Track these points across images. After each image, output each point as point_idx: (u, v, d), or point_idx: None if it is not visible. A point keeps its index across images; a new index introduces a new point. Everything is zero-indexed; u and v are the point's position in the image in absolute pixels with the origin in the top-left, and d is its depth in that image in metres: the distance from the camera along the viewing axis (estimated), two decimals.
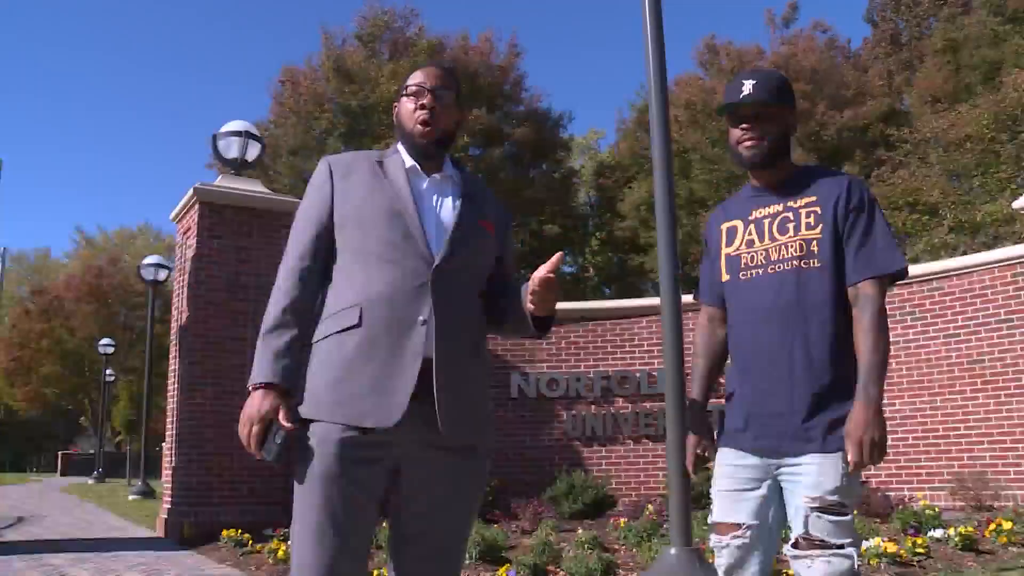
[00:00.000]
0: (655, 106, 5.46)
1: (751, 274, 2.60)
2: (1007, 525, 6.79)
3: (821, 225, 2.49)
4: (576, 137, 35.31)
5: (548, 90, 58.56)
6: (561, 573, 6.03)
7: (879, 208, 2.51)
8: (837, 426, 2.39)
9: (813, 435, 2.41)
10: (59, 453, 53.17)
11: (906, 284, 9.71)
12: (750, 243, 2.62)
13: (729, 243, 2.69)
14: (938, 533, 6.81)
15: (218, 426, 8.99)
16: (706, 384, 2.82)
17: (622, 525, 7.69)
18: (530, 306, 2.35)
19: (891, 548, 6.17)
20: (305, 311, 2.39)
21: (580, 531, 7.48)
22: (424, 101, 2.47)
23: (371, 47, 26.79)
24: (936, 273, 9.71)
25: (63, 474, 44.05)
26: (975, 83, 26.78)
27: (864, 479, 8.08)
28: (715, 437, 2.72)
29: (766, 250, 2.57)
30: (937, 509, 7.71)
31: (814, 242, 2.49)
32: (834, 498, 2.38)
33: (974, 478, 8.87)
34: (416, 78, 2.51)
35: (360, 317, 2.31)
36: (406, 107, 2.50)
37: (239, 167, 10.06)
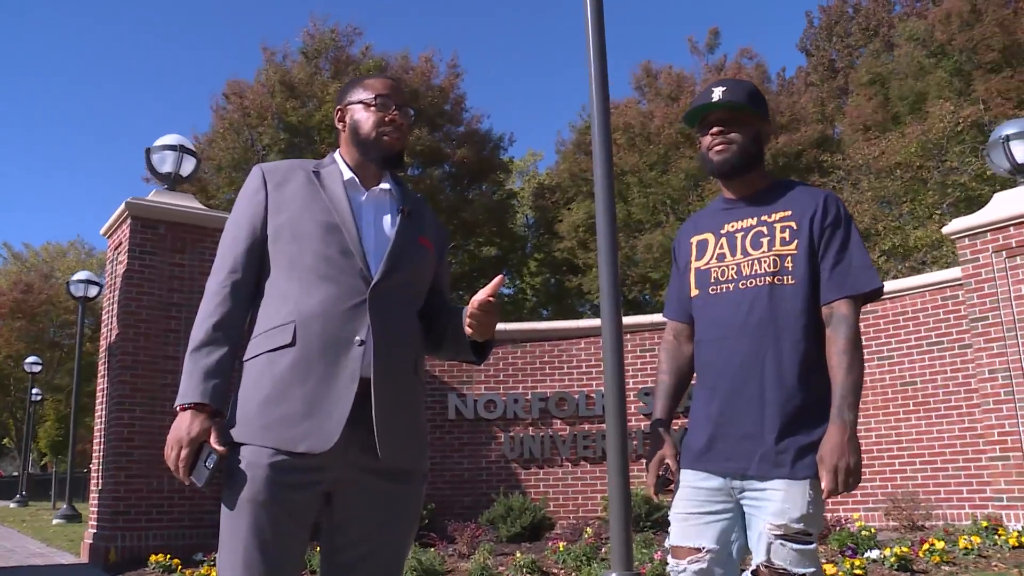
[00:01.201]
0: (598, 126, 5.45)
1: (721, 289, 2.53)
2: (939, 544, 6.88)
3: (796, 241, 2.44)
4: (516, 159, 35.42)
5: (488, 111, 58.79)
6: None
7: (855, 225, 2.46)
8: (808, 451, 2.34)
9: (783, 460, 2.34)
10: None
11: None
12: (721, 257, 2.55)
13: (699, 257, 2.62)
14: (874, 554, 6.86)
15: (147, 447, 8.76)
16: (671, 403, 2.73)
17: (561, 548, 7.63)
18: (468, 330, 2.26)
19: (830, 570, 6.20)
20: (236, 327, 2.28)
21: (518, 554, 7.40)
22: (395, 116, 2.40)
23: (315, 63, 26.62)
24: None
25: None
26: (903, 113, 27.47)
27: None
28: (677, 458, 2.62)
29: (738, 265, 2.50)
30: (873, 530, 7.79)
31: (788, 258, 2.43)
32: (799, 526, 2.32)
33: (907, 498, 9.00)
34: (378, 89, 2.43)
35: (294, 336, 2.21)
36: (365, 117, 2.41)
37: (173, 182, 9.85)
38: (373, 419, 2.18)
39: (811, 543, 2.33)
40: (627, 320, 10.50)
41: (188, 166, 9.96)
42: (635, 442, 10.49)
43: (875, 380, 9.67)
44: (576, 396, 10.95)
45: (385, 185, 2.43)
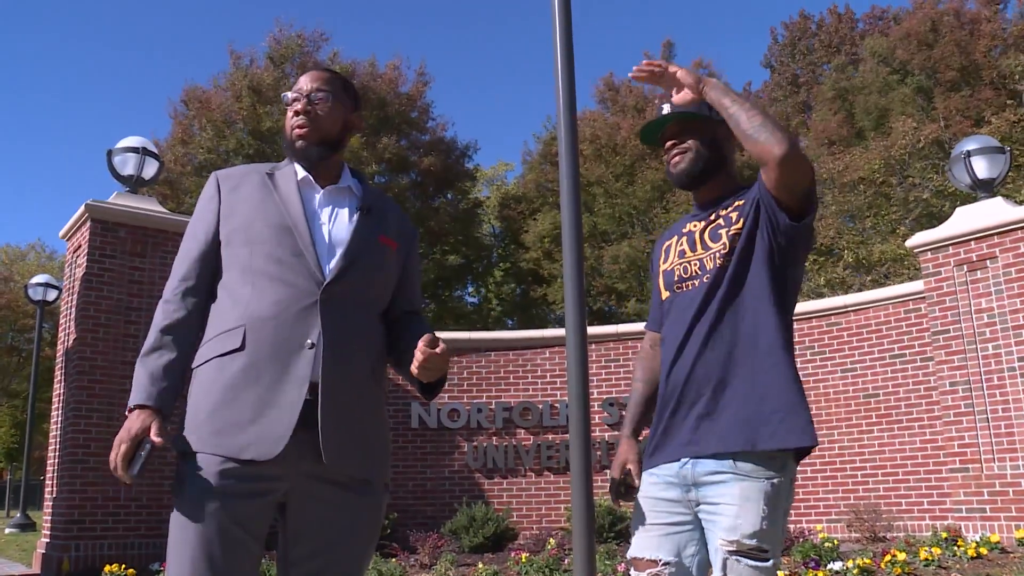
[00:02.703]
0: (564, 135, 5.41)
1: (687, 286, 2.49)
2: (901, 556, 6.91)
3: (742, 219, 2.40)
4: (483, 168, 35.40)
5: (455, 120, 58.84)
6: None
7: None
8: (767, 423, 2.26)
9: (739, 432, 2.27)
10: None
11: (806, 319, 9.91)
12: (682, 254, 2.53)
13: (665, 260, 2.61)
14: (837, 566, 6.87)
15: (104, 454, 8.58)
16: (641, 410, 2.70)
17: (524, 559, 7.58)
18: (414, 370, 2.17)
19: None
20: (186, 332, 2.23)
21: (481, 565, 7.35)
22: (298, 107, 2.33)
23: (282, 68, 26.46)
24: (834, 309, 9.93)
25: None
26: (867, 128, 27.80)
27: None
28: (640, 468, 2.57)
29: (700, 260, 2.46)
30: (836, 541, 7.82)
31: (735, 236, 2.39)
32: (752, 542, 2.23)
33: (868, 510, 9.05)
34: (295, 86, 2.39)
35: (243, 340, 2.15)
36: (286, 119, 2.37)
37: (135, 184, 9.70)
38: (319, 424, 2.12)
39: (767, 559, 2.25)
40: (592, 330, 10.49)
41: (150, 169, 9.81)
42: (599, 453, 10.46)
43: (838, 392, 9.73)
44: (540, 406, 10.91)
45: (344, 182, 2.37)
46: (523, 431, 10.91)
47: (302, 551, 2.18)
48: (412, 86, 28.38)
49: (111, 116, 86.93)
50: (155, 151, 10.04)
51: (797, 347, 9.78)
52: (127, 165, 9.69)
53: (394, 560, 7.69)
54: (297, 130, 2.32)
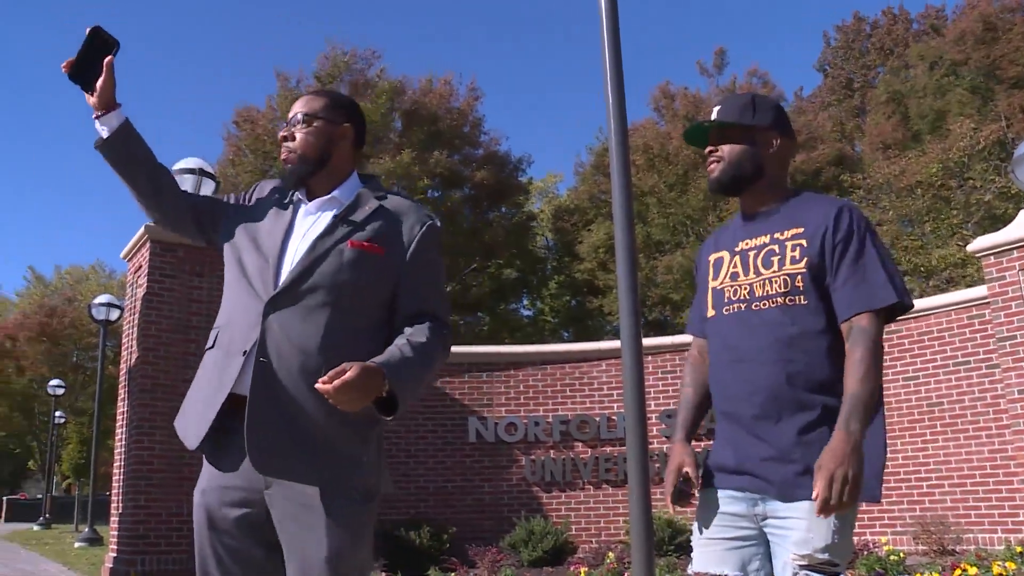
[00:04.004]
0: (615, 147, 5.39)
1: (733, 309, 2.43)
2: (972, 570, 6.73)
3: (806, 259, 2.32)
4: (535, 181, 35.44)
5: (507, 133, 59.06)
6: None
7: (873, 235, 2.32)
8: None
9: (803, 482, 2.21)
10: (4, 498, 51.82)
11: None
12: (734, 276, 2.46)
13: (715, 276, 2.53)
14: None
15: (166, 471, 8.74)
16: (693, 415, 2.64)
17: (583, 573, 7.53)
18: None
19: None
20: (161, 166, 2.44)
21: None
22: (281, 134, 2.44)
23: (330, 87, 26.74)
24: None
25: (8, 520, 42.82)
26: (923, 131, 27.34)
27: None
28: (698, 472, 2.51)
29: (751, 285, 2.40)
30: (902, 554, 7.65)
31: (799, 277, 2.32)
32: (824, 556, 2.19)
33: (936, 522, 8.84)
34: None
35: (215, 340, 2.34)
36: None
37: None
38: (244, 431, 2.17)
39: (838, 574, 2.21)
40: (648, 342, 10.41)
41: (207, 189, 9.98)
42: (657, 465, 10.37)
43: (900, 401, 9.54)
44: (597, 419, 10.85)
45: (334, 194, 2.41)
46: (580, 444, 10.86)
47: (289, 565, 2.21)
48: (464, 101, 28.53)
49: (167, 138, 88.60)
50: (211, 171, 10.21)
51: None
52: (184, 186, 9.84)
53: (453, 574, 7.69)
54: (282, 154, 2.43)
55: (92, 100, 2.31)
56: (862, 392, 2.18)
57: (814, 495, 2.13)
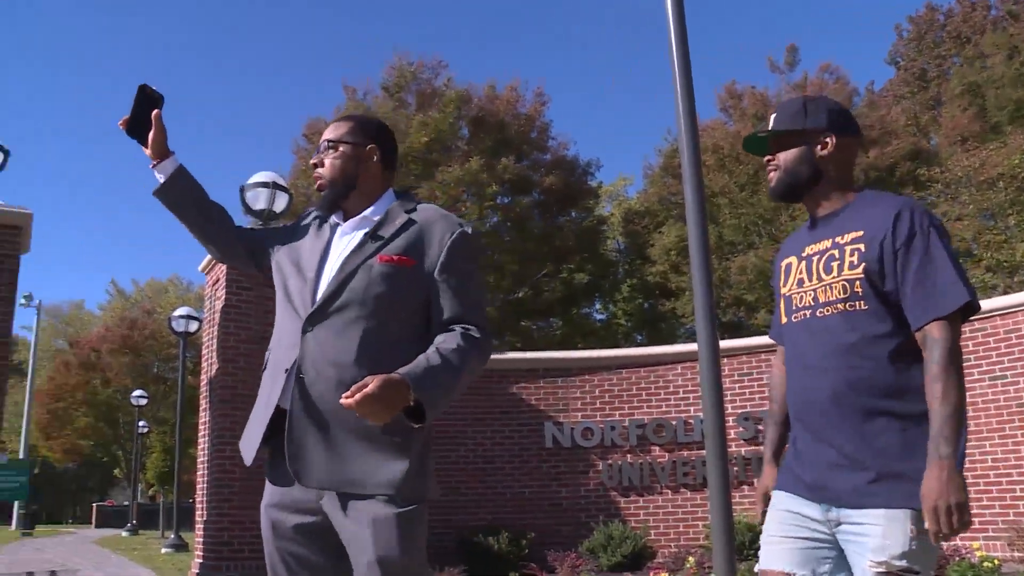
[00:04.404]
0: (687, 149, 5.35)
1: (800, 316, 2.41)
2: None
3: (864, 264, 2.27)
4: (604, 184, 35.29)
5: (575, 138, 58.89)
6: None
7: (938, 235, 2.24)
8: (903, 481, 2.15)
9: (876, 490, 2.17)
10: (93, 505, 53.28)
11: None
12: (800, 283, 2.44)
13: (785, 282, 2.52)
14: None
15: (248, 479, 8.88)
16: (779, 432, 2.63)
17: None
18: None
19: None
20: (214, 204, 2.63)
21: None
22: (313, 161, 2.56)
23: (398, 97, 26.98)
24: (979, 314, 9.47)
25: (97, 526, 44.01)
26: (1003, 122, 26.60)
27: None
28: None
29: (814, 291, 2.37)
30: (996, 561, 7.42)
31: (857, 283, 2.27)
32: (902, 563, 2.13)
33: None
34: None
35: (267, 362, 2.51)
36: None
37: (267, 218, 10.03)
38: (284, 445, 2.31)
39: None
40: (724, 344, 10.28)
41: (281, 202, 10.14)
42: (735, 468, 10.25)
43: (987, 401, 9.25)
44: (674, 422, 10.76)
45: (367, 213, 2.50)
46: (657, 448, 10.78)
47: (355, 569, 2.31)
48: (530, 106, 28.54)
49: (240, 154, 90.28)
50: (284, 184, 10.37)
51: None
52: (259, 200, 10.04)
53: None
54: (317, 185, 2.55)
55: (148, 152, 2.51)
56: (945, 411, 2.11)
57: (928, 529, 2.08)
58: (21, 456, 35.00)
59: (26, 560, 15.58)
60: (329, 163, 2.51)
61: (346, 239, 2.48)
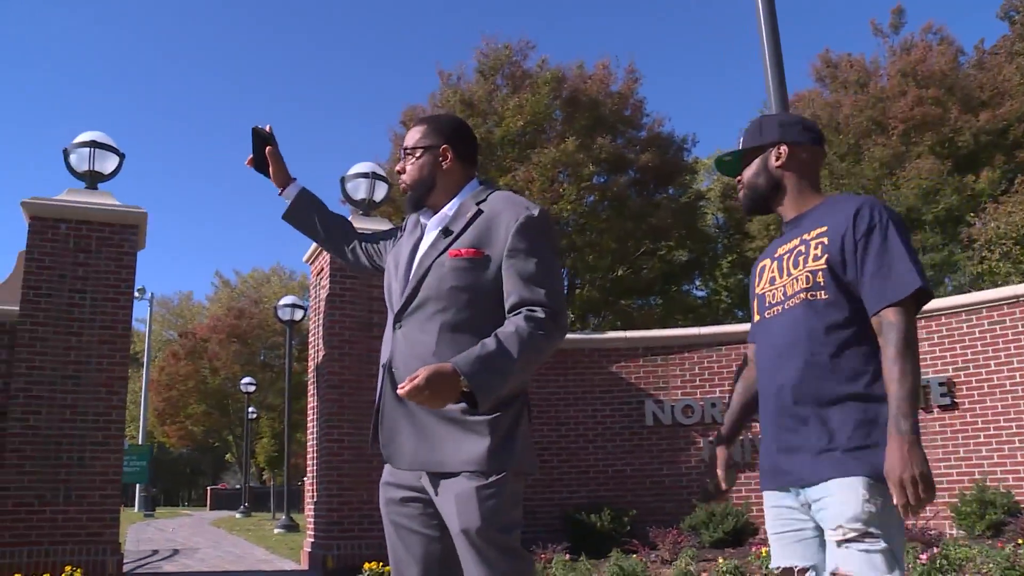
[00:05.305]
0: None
1: (773, 312, 2.52)
2: None
3: (827, 255, 2.37)
4: (701, 159, 34.86)
5: (669, 114, 58.12)
6: None
7: (895, 228, 2.33)
8: (855, 451, 2.23)
9: (828, 461, 2.26)
10: (208, 488, 55.23)
11: None
12: (772, 280, 2.56)
13: (759, 282, 2.65)
14: None
15: (356, 461, 9.16)
16: (734, 419, 2.82)
17: (764, 554, 7.47)
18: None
19: None
20: (338, 217, 2.97)
21: (721, 560, 7.30)
22: (397, 167, 2.73)
23: (491, 80, 27.09)
24: None
25: (212, 508, 45.68)
26: None
27: None
28: (726, 473, 2.77)
29: (784, 286, 2.49)
30: None
31: (819, 273, 2.37)
32: (857, 525, 2.19)
33: None
34: None
35: (381, 364, 2.65)
36: None
37: (367, 207, 10.28)
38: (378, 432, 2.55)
39: (879, 544, 2.19)
40: None
41: (380, 191, 10.38)
42: None
43: None
44: None
45: (445, 210, 2.65)
46: (757, 424, 10.70)
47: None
48: (622, 84, 28.33)
49: (338, 144, 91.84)
50: (383, 174, 10.60)
51: None
52: (359, 190, 10.30)
53: (635, 556, 7.77)
54: (402, 188, 2.78)
55: (273, 182, 2.86)
56: (902, 391, 2.18)
57: (895, 503, 2.14)
58: (140, 442, 36.52)
59: (150, 539, 16.34)
60: (409, 169, 2.70)
61: (429, 236, 2.65)
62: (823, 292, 2.37)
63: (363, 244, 2.93)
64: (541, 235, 2.52)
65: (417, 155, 2.68)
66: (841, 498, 2.22)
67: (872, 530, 2.20)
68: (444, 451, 2.42)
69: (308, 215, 2.90)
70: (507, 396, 2.42)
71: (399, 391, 2.23)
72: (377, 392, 2.60)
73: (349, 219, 2.96)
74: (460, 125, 2.78)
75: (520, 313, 2.42)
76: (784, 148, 2.56)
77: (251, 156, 2.84)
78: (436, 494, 2.44)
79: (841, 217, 2.39)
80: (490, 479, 2.38)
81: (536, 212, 2.54)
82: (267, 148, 2.85)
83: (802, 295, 2.41)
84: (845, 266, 2.35)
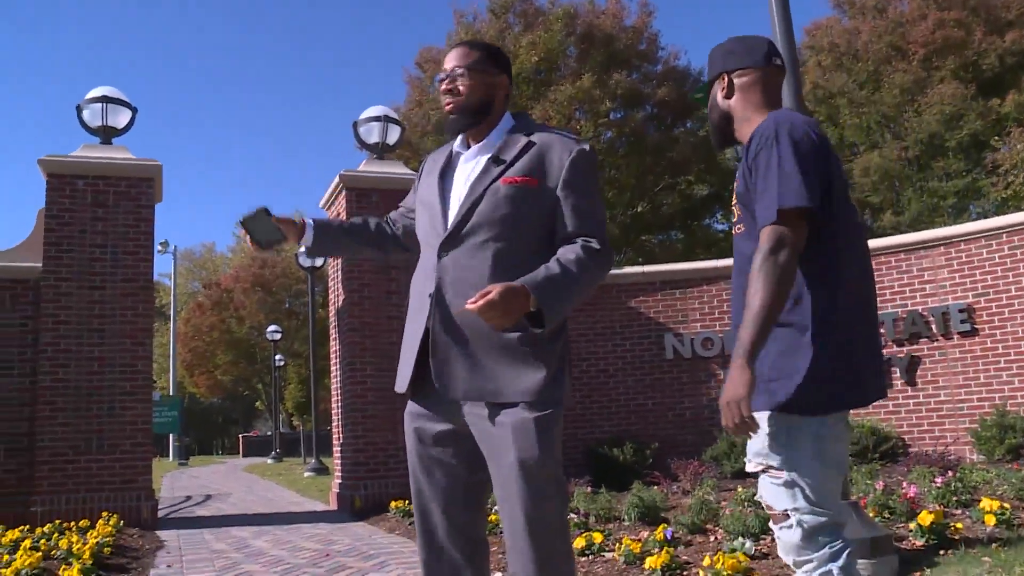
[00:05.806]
0: (782, 48, 5.30)
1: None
2: None
3: (737, 187, 2.39)
4: None
5: (684, 47, 57.26)
6: (719, 531, 5.97)
7: (778, 144, 2.23)
8: (764, 382, 2.22)
9: (756, 392, 2.20)
10: (240, 436, 56.12)
11: None
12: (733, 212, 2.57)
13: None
14: None
15: (379, 402, 9.29)
16: None
17: None
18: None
19: None
20: (364, 225, 2.89)
21: (740, 489, 7.40)
22: (443, 87, 2.60)
23: (503, 19, 26.84)
24: None
25: (244, 455, 46.45)
26: None
27: None
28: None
29: (734, 209, 2.51)
30: None
31: (737, 207, 2.41)
32: (759, 459, 2.26)
33: None
34: (444, 65, 2.66)
35: (411, 293, 2.64)
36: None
37: (381, 151, 10.31)
38: (430, 363, 2.48)
39: (781, 477, 2.23)
40: None
41: (394, 135, 10.40)
42: None
43: None
44: None
45: (489, 139, 2.61)
46: None
47: (492, 475, 2.48)
48: (636, 18, 28.02)
49: (354, 88, 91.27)
50: (396, 117, 10.60)
51: None
52: (372, 134, 10.33)
53: (656, 488, 7.88)
54: (445, 107, 2.62)
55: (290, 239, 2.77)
56: (749, 312, 2.16)
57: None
58: (171, 393, 37.07)
59: (184, 486, 16.69)
60: (466, 89, 2.57)
61: (470, 165, 2.60)
62: (740, 226, 2.41)
63: (400, 228, 2.88)
64: (594, 170, 2.57)
65: (474, 76, 2.58)
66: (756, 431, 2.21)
67: (773, 463, 2.24)
68: (501, 380, 2.42)
69: (332, 244, 2.86)
70: (556, 328, 2.44)
71: (469, 306, 2.20)
72: (414, 327, 2.57)
73: (372, 219, 2.92)
74: (509, 61, 2.77)
75: (576, 243, 2.46)
76: (725, 78, 2.53)
77: (251, 241, 2.71)
78: (487, 423, 2.42)
79: (749, 143, 2.35)
80: (547, 411, 2.41)
81: (587, 147, 2.57)
82: (270, 218, 2.69)
83: (734, 229, 2.44)
84: (750, 196, 2.32)
